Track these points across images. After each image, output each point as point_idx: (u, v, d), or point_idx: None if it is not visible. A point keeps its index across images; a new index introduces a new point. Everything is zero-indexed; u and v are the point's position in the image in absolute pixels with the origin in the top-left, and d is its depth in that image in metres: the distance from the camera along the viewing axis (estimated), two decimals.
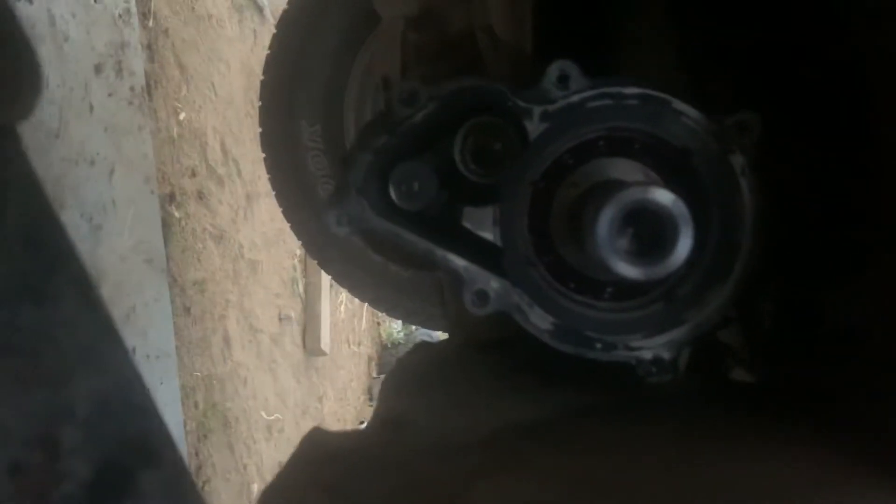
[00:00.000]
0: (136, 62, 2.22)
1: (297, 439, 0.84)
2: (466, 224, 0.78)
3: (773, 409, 0.80)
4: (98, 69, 2.05)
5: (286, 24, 1.78)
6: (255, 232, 3.05)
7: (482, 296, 0.77)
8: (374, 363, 4.86)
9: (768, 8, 0.87)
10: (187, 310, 2.44)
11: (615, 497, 0.67)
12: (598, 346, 0.78)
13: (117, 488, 0.41)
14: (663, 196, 0.65)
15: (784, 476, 0.66)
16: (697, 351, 0.84)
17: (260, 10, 3.31)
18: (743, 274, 0.77)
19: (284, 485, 0.80)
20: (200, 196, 2.62)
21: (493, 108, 0.78)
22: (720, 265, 0.77)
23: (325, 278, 3.52)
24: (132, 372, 0.43)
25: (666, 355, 0.77)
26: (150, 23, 2.42)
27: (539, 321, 0.78)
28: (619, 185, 0.69)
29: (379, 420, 0.95)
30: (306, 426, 3.21)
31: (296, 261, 3.49)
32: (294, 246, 3.41)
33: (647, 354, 0.78)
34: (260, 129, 1.85)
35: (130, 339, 2.02)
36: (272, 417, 2.99)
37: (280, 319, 3.25)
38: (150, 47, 2.41)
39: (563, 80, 0.76)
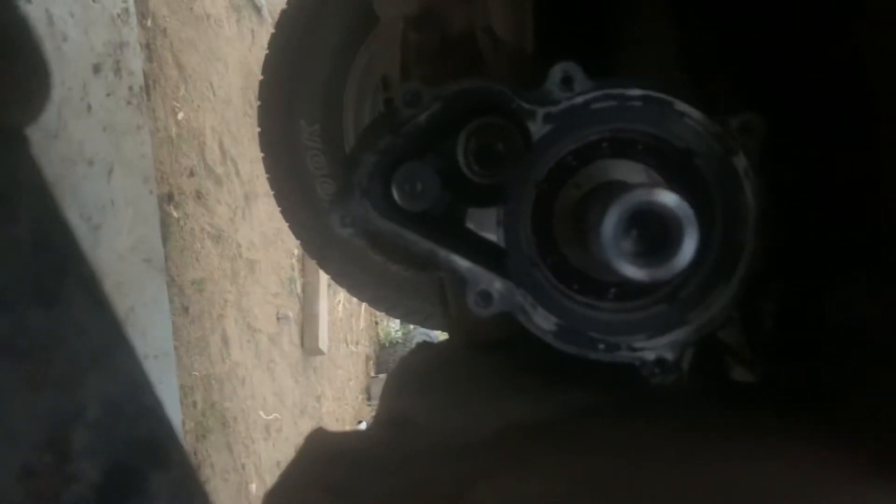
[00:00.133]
0: (135, 62, 2.21)
1: (296, 439, 0.84)
2: (470, 225, 0.78)
3: (774, 408, 0.80)
4: (96, 69, 2.05)
5: (285, 23, 1.78)
6: (254, 232, 3.05)
7: (485, 296, 0.77)
8: (371, 363, 4.86)
9: (768, 8, 0.87)
10: (186, 309, 2.44)
11: (616, 497, 0.68)
12: (602, 346, 0.78)
13: (127, 490, 0.41)
14: (668, 197, 0.65)
15: (785, 476, 0.66)
16: (699, 351, 0.84)
17: (258, 9, 3.31)
18: (746, 274, 0.77)
19: (288, 485, 0.80)
20: (199, 196, 2.62)
21: (496, 110, 0.78)
22: (723, 266, 0.78)
23: (323, 278, 3.52)
24: (141, 374, 0.43)
25: (669, 356, 0.77)
26: (149, 22, 2.41)
27: (542, 322, 0.78)
28: (623, 187, 0.69)
29: (381, 420, 0.95)
30: (304, 426, 3.22)
31: (294, 260, 3.49)
32: (292, 245, 3.41)
33: (651, 355, 0.78)
34: (258, 129, 1.85)
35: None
36: (270, 417, 2.99)
37: (278, 319, 3.25)
38: (148, 47, 2.40)
39: (567, 81, 0.76)
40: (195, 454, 2.39)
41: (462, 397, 0.93)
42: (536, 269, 0.78)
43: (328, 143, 1.78)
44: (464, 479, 0.71)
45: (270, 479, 2.77)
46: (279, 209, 1.88)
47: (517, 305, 0.77)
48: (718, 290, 0.78)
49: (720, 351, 0.95)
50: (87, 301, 0.42)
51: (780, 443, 0.71)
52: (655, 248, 0.67)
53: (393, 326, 5.15)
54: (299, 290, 3.54)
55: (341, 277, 1.89)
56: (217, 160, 2.79)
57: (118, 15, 2.16)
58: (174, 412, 2.22)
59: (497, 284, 0.77)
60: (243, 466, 2.72)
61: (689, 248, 0.66)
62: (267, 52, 1.80)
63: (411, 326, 4.82)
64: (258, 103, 1.83)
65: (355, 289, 1.91)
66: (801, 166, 0.87)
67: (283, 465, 0.81)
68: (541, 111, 0.76)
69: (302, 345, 3.51)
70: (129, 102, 2.16)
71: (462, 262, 0.77)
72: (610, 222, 0.65)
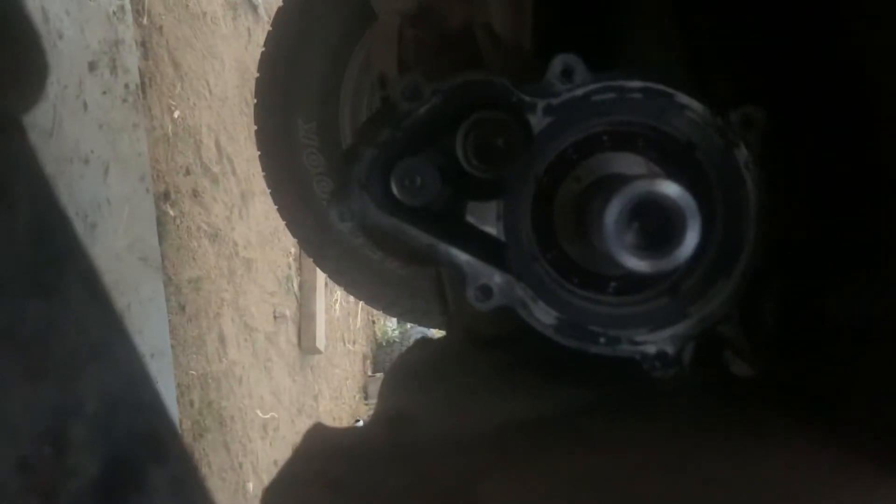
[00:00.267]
0: (131, 60, 2.21)
1: (293, 438, 0.84)
2: (470, 219, 0.78)
3: (774, 407, 0.80)
4: (92, 67, 2.04)
5: (281, 21, 1.78)
6: (250, 230, 3.05)
7: (486, 291, 0.77)
8: (369, 361, 4.86)
9: (769, 6, 0.87)
10: (182, 308, 2.44)
11: (616, 495, 0.67)
12: (602, 340, 0.77)
13: (126, 484, 0.40)
14: (671, 188, 0.65)
15: (786, 476, 0.66)
16: (699, 345, 0.84)
17: (254, 7, 3.31)
18: (747, 268, 0.77)
19: (287, 481, 0.79)
20: (195, 194, 2.62)
21: (496, 103, 0.78)
22: (725, 259, 0.77)
23: (320, 276, 3.52)
24: (140, 368, 0.43)
25: (670, 349, 0.77)
26: (145, 20, 2.41)
27: (543, 316, 0.77)
28: (624, 179, 0.69)
29: (380, 416, 0.95)
30: (302, 425, 3.22)
31: (291, 259, 3.49)
32: (289, 244, 3.40)
33: (652, 349, 0.77)
34: (255, 127, 1.84)
35: None
36: (267, 416, 2.98)
37: (275, 318, 3.24)
38: (144, 45, 2.40)
39: (567, 73, 0.75)
40: (192, 453, 2.39)
41: (461, 394, 0.92)
42: (537, 262, 0.78)
43: (325, 140, 1.77)
44: (465, 476, 0.71)
45: (267, 477, 2.76)
46: (276, 207, 1.87)
47: (517, 299, 0.77)
48: (719, 284, 0.78)
49: (720, 345, 0.95)
50: (86, 294, 0.41)
51: (780, 442, 0.71)
52: (658, 240, 0.66)
53: (390, 325, 5.15)
54: (296, 288, 3.53)
55: (338, 275, 1.89)
56: (213, 158, 2.79)
57: (114, 12, 2.15)
58: (171, 411, 2.22)
59: (497, 278, 0.76)
60: (240, 465, 2.71)
61: (691, 239, 0.66)
62: (263, 49, 1.79)
63: (408, 325, 4.82)
64: (254, 101, 1.82)
65: (352, 287, 1.90)
66: (803, 165, 0.86)
67: (281, 464, 0.80)
68: (541, 103, 0.76)
69: (299, 344, 3.50)
70: (124, 100, 2.15)
71: (462, 256, 0.76)
72: (612, 214, 0.65)
